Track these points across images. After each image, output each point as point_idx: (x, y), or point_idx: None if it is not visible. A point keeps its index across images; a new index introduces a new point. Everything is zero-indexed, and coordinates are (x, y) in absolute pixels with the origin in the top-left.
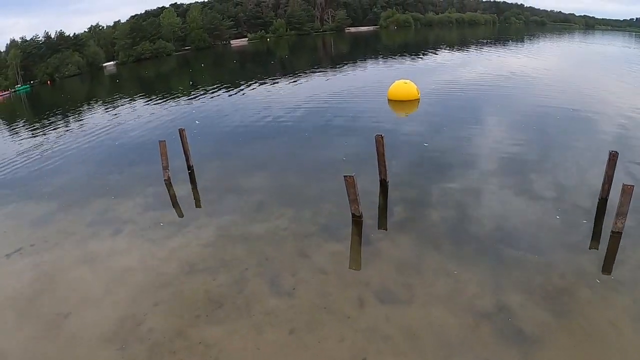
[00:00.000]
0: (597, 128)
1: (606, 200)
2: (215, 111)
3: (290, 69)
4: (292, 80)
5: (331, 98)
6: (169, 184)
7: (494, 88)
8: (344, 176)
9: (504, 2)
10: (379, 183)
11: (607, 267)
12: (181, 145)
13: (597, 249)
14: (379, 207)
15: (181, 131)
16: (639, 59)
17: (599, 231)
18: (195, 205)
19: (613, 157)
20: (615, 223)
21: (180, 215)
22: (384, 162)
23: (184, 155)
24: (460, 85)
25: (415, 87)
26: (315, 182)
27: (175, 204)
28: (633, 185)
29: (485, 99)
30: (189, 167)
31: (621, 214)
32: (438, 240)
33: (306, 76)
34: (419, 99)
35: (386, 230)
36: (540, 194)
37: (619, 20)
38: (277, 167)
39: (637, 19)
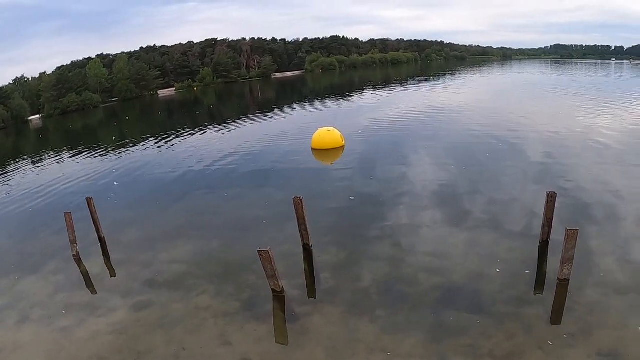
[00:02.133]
0: (525, 160)
1: (547, 242)
2: (137, 168)
3: (218, 118)
4: (219, 130)
5: (256, 148)
6: (78, 259)
7: (420, 125)
8: (258, 251)
9: (424, 40)
10: (302, 248)
11: (556, 320)
12: (92, 215)
13: (544, 301)
14: (305, 275)
15: (89, 200)
16: (555, 83)
17: (543, 280)
18: (107, 284)
19: (551, 199)
20: (561, 270)
21: (92, 295)
22: (305, 225)
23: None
24: (387, 125)
25: (339, 134)
26: (238, 248)
27: (86, 282)
28: (577, 229)
29: (411, 137)
30: (100, 239)
31: (566, 260)
32: (371, 307)
33: (233, 125)
34: (343, 146)
35: (315, 300)
36: (477, 241)
37: (534, 49)
38: (198, 232)
39: (551, 46)
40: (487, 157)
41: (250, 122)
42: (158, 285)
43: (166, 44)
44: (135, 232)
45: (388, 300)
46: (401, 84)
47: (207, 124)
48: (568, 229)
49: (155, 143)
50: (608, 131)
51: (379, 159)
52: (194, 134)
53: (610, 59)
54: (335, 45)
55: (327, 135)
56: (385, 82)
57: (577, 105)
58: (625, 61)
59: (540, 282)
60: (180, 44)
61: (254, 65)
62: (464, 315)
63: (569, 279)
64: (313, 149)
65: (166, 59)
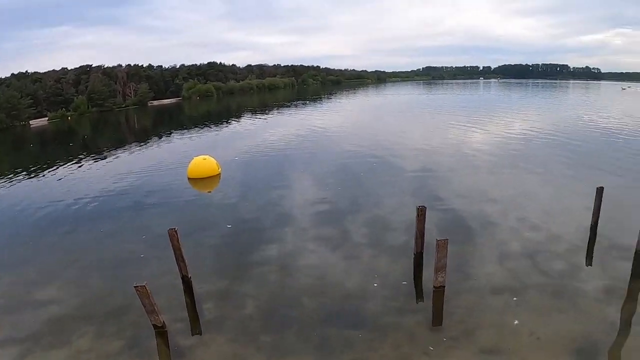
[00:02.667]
0: (402, 177)
1: (422, 254)
2: (6, 206)
3: (93, 149)
4: (94, 162)
5: (132, 180)
6: None
7: (298, 149)
8: (135, 286)
9: (301, 65)
10: (181, 280)
11: (437, 325)
12: None
13: (424, 309)
14: (187, 308)
15: None
16: (427, 103)
17: (421, 289)
18: None
19: (421, 212)
20: (436, 279)
21: None
22: (182, 257)
23: None
24: (265, 150)
25: (215, 162)
26: (116, 284)
27: None
28: (447, 239)
29: (290, 161)
30: None
31: (440, 269)
32: (257, 334)
33: (109, 156)
34: (219, 173)
35: (200, 335)
36: (356, 256)
37: (407, 71)
38: (75, 270)
39: (423, 68)
40: (365, 175)
41: (126, 153)
42: (35, 330)
43: (39, 70)
44: (6, 274)
45: (273, 325)
46: (278, 109)
47: (81, 155)
48: (438, 239)
49: (27, 177)
50: (478, 144)
51: (258, 184)
52: (68, 166)
53: (479, 79)
54: (213, 71)
55: (203, 163)
56: (262, 108)
57: (449, 121)
58: (492, 80)
59: (418, 292)
60: (53, 70)
61: (130, 93)
62: (349, 332)
63: (444, 286)
64: (189, 178)
65: (39, 87)
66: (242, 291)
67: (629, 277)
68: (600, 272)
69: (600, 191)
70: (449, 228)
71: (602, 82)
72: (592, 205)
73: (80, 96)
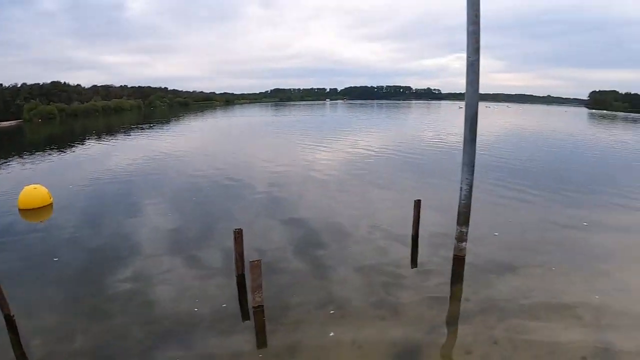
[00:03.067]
0: (251, 197)
1: (243, 276)
2: None
3: None
4: None
5: None
6: None
7: (144, 173)
8: None
9: (148, 86)
10: (3, 319)
11: (261, 344)
12: None
13: (248, 329)
14: (12, 347)
15: None
16: (276, 124)
17: (243, 310)
18: None
19: (238, 235)
20: (254, 298)
21: None
22: (2, 293)
23: None
24: (108, 175)
25: (46, 191)
26: None
27: None
28: (260, 260)
29: (136, 186)
30: None
31: (256, 288)
32: None
33: None
34: (51, 203)
35: None
36: (187, 284)
37: (255, 93)
38: None
39: (271, 90)
40: (215, 198)
41: None
42: None
43: None
44: None
45: (102, 358)
46: (125, 133)
47: None
48: (251, 260)
49: None
50: (326, 161)
51: (100, 212)
52: None
53: (326, 100)
54: (56, 91)
55: (34, 193)
56: (108, 131)
57: (297, 142)
58: (339, 101)
59: (244, 312)
60: None
61: None
62: (180, 353)
63: (262, 305)
64: (20, 209)
65: None
66: (72, 325)
67: (449, 281)
68: (422, 278)
69: (417, 203)
70: (306, 243)
71: (443, 101)
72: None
73: None
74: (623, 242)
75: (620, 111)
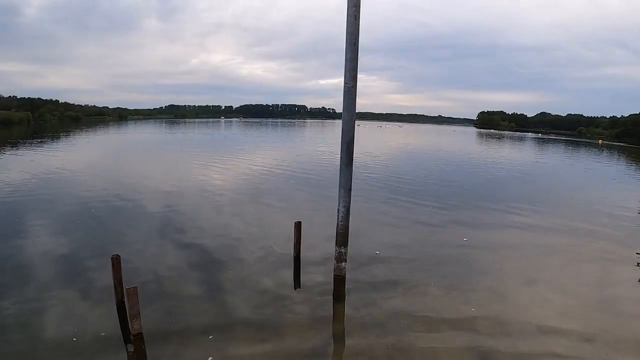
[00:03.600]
0: (144, 218)
1: (123, 302)
2: None
3: None
4: None
5: None
6: None
7: (30, 191)
8: None
9: (38, 98)
10: None
11: None
12: None
13: (128, 358)
14: None
15: None
16: (169, 142)
17: (128, 338)
18: None
19: (116, 261)
20: (132, 326)
21: None
22: None
23: None
24: None
25: None
26: None
27: None
28: (136, 286)
29: (20, 205)
30: None
31: (134, 315)
32: None
33: None
34: None
35: None
36: (70, 312)
37: (150, 109)
38: None
39: (166, 106)
40: (105, 219)
41: None
42: None
43: None
44: None
45: None
46: (12, 147)
47: None
48: (127, 287)
49: None
50: (220, 181)
51: None
52: None
53: (221, 118)
54: None
55: None
56: None
57: (191, 161)
58: (234, 119)
59: (125, 340)
60: None
61: None
62: None
63: (141, 332)
64: None
65: None
66: None
67: (331, 300)
68: (305, 298)
69: (298, 225)
70: (204, 264)
71: (337, 120)
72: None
73: None
74: (499, 256)
75: (507, 130)
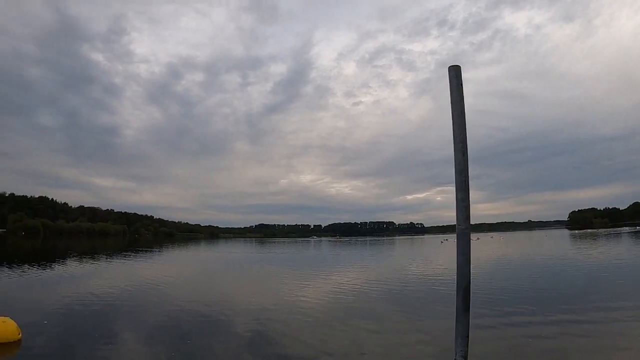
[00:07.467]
0: (235, 335)
1: None
2: None
3: None
4: None
5: None
6: None
7: (125, 300)
8: None
9: (134, 213)
10: None
11: None
12: None
13: None
14: None
15: None
16: (259, 260)
17: None
18: None
19: None
20: None
21: None
22: None
23: None
24: (86, 304)
25: (15, 325)
26: None
27: None
28: None
29: (114, 313)
30: None
31: None
32: None
33: None
34: (19, 339)
35: None
36: None
37: (240, 227)
38: None
39: (255, 225)
40: (196, 333)
41: None
42: None
43: None
44: None
45: None
46: (108, 257)
47: None
48: None
49: None
50: (313, 298)
51: (70, 350)
52: None
53: (311, 237)
54: (43, 207)
55: (1, 326)
56: (91, 254)
57: (281, 278)
58: (323, 238)
59: None
60: None
61: None
62: None
63: None
64: None
65: None
66: None
67: None
68: None
69: None
70: None
71: (426, 235)
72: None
73: None
74: None
75: (601, 228)
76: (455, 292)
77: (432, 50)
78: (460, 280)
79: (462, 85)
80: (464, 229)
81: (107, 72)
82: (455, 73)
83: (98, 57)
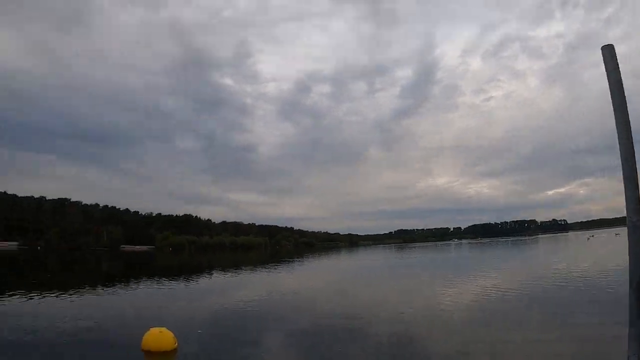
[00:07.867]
0: (379, 342)
1: None
2: None
3: (56, 285)
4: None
5: (85, 324)
6: None
7: (273, 309)
8: None
9: (275, 225)
10: None
11: None
12: None
13: None
14: None
15: None
16: (400, 265)
17: None
18: None
19: None
20: None
21: None
22: None
23: None
24: (233, 316)
25: (172, 335)
26: None
27: None
28: None
29: (262, 322)
30: None
31: None
32: None
33: (69, 299)
34: (175, 349)
35: None
36: None
37: (379, 234)
38: None
39: (394, 231)
40: (339, 341)
41: (92, 295)
42: None
43: (17, 193)
44: None
45: None
46: (252, 270)
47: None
48: None
49: None
50: (455, 300)
51: (227, 355)
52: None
53: (451, 240)
54: (188, 224)
55: (159, 337)
56: (235, 267)
57: (420, 284)
58: (464, 240)
59: None
60: (32, 196)
61: (103, 235)
62: None
63: None
64: (143, 350)
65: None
66: None
67: None
68: None
69: None
70: None
71: (570, 232)
72: None
73: (55, 228)
74: None
75: None
76: (628, 291)
77: (558, 33)
78: (633, 278)
79: (618, 65)
80: (635, 221)
81: (237, 93)
82: (609, 53)
83: (227, 81)
